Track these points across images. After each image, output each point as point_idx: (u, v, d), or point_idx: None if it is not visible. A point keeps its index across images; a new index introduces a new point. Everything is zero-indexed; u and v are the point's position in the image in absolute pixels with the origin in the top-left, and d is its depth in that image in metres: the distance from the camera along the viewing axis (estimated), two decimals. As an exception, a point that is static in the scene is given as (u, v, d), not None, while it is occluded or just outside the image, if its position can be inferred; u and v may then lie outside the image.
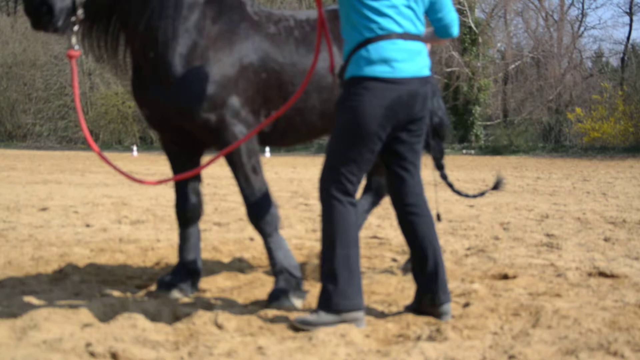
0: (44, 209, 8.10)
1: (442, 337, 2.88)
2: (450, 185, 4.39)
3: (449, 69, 33.59)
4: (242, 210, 8.18)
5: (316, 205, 8.75)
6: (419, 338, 2.92)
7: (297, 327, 3.09)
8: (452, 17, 3.35)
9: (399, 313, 3.35)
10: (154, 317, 3.28)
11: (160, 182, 3.61)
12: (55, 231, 6.36)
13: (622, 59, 37.75)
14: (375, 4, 3.11)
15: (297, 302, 3.58)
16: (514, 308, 3.37)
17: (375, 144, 3.16)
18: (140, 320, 3.10)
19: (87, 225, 6.75)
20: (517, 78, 38.25)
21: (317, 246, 5.38)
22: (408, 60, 3.14)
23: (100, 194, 9.91)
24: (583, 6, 39.82)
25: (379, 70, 3.10)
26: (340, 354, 2.70)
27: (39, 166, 16.52)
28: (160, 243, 5.67)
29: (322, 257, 3.19)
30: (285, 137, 3.98)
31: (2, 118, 42.79)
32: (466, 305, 3.51)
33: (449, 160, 23.93)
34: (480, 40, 34.05)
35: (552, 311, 3.23)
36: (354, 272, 3.13)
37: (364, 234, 6.23)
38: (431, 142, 4.10)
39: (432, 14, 3.33)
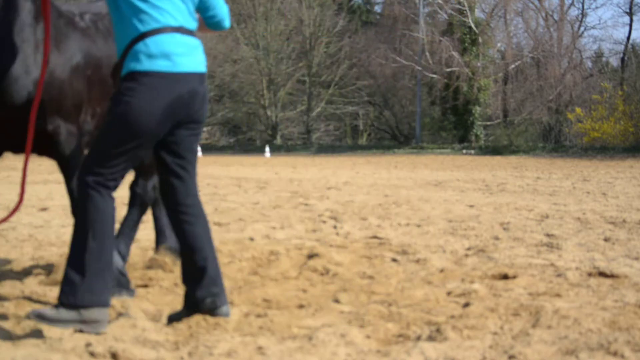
0: (44, 209, 8.10)
1: (442, 337, 2.87)
2: None
3: (449, 69, 33.62)
4: (242, 211, 8.17)
5: (317, 205, 8.75)
6: (419, 338, 2.92)
7: (33, 320, 2.94)
8: (224, 12, 3.38)
9: (399, 313, 3.35)
10: (154, 317, 3.28)
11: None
12: (55, 231, 6.36)
13: (622, 59, 37.79)
14: None
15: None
16: (514, 308, 3.37)
17: (150, 142, 3.06)
18: (140, 320, 3.10)
19: (87, 225, 6.75)
20: (517, 78, 38.25)
21: (317, 246, 5.37)
22: (187, 54, 3.09)
23: (100, 194, 9.90)
24: (583, 6, 39.89)
25: (160, 65, 3.01)
26: (340, 354, 2.70)
27: (39, 166, 16.51)
28: (160, 243, 5.66)
29: (71, 249, 3.03)
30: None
31: (2, 118, 42.80)
32: (466, 305, 3.50)
33: (449, 160, 23.94)
34: (480, 40, 34.08)
35: (552, 311, 3.22)
36: (105, 267, 2.99)
37: (363, 234, 6.23)
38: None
39: (204, 12, 3.32)
